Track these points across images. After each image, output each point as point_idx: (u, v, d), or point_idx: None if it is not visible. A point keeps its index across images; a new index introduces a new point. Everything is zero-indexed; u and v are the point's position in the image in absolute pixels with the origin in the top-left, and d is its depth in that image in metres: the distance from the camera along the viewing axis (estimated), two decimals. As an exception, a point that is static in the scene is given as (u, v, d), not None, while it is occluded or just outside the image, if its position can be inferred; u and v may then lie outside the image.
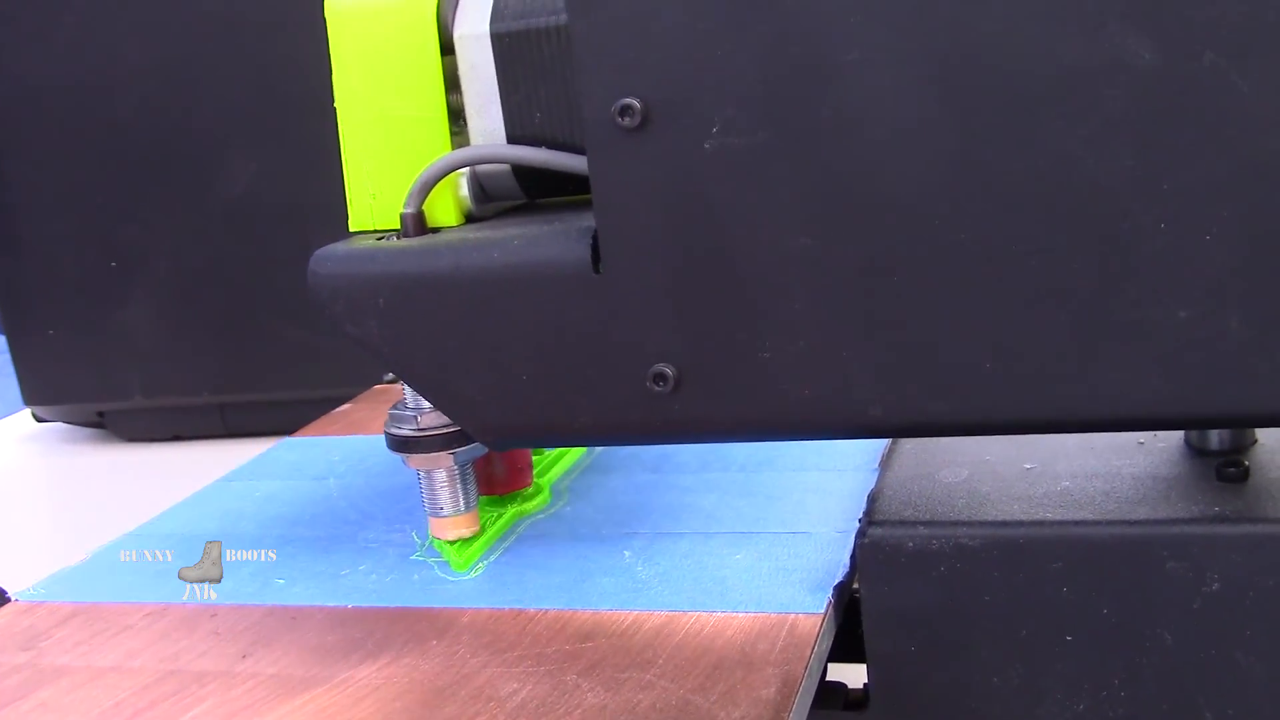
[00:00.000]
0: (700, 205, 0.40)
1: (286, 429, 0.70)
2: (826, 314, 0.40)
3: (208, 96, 0.89)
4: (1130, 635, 0.40)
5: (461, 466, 0.48)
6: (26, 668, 0.44)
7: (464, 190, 0.46)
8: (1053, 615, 0.41)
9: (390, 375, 0.73)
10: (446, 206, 0.46)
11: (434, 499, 0.48)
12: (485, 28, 0.44)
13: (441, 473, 0.48)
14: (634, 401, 0.42)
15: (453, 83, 0.45)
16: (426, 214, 0.45)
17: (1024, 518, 0.41)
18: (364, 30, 0.45)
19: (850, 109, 0.38)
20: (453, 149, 0.45)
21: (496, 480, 0.52)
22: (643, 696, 0.38)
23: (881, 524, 0.42)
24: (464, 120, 0.46)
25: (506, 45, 0.44)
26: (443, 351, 0.44)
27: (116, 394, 0.96)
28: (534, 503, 0.53)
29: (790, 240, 0.39)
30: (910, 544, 0.41)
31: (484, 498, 0.52)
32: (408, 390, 0.47)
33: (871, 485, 0.46)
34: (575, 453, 0.58)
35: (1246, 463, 0.42)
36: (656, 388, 0.42)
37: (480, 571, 0.48)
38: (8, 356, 0.97)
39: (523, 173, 0.46)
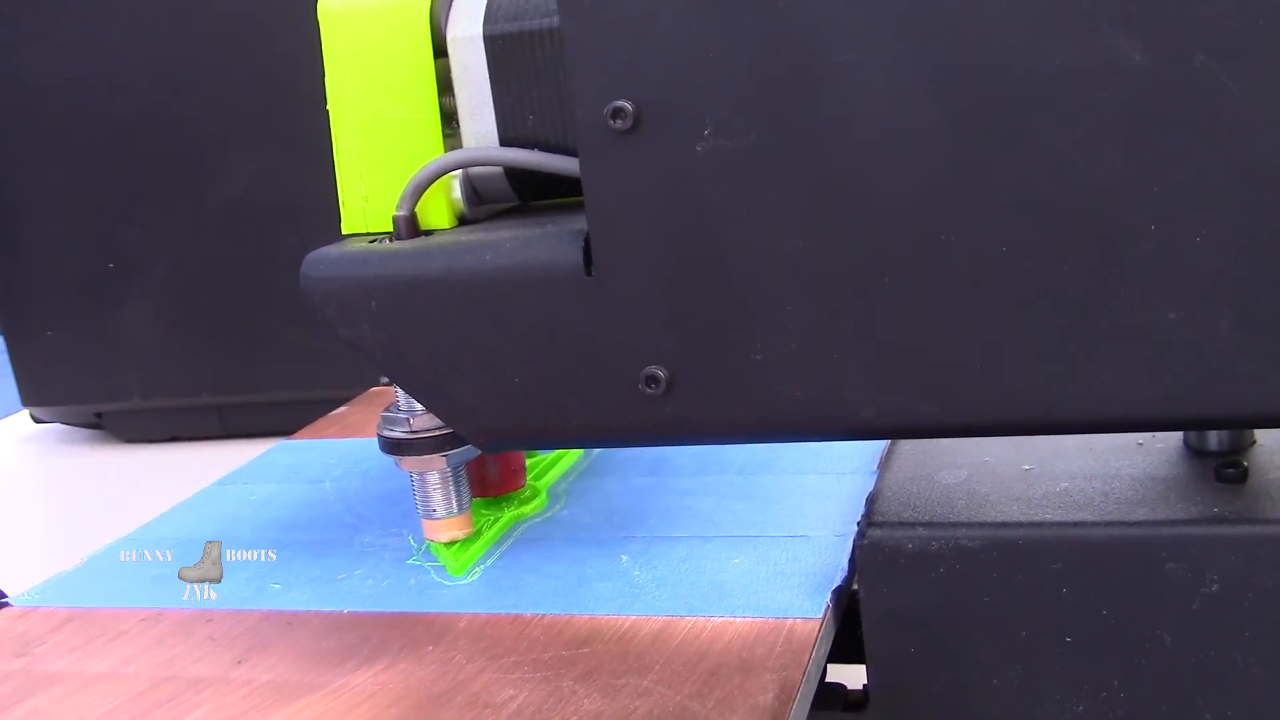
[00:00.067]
0: (692, 207, 0.40)
1: (284, 430, 0.70)
2: (818, 315, 0.39)
3: (207, 97, 0.89)
4: (1129, 636, 0.40)
5: (454, 469, 0.48)
6: (20, 674, 0.44)
7: (457, 193, 0.46)
8: (1052, 616, 0.40)
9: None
10: (439, 209, 0.45)
11: (427, 501, 0.48)
12: (478, 30, 0.44)
13: (434, 475, 0.48)
14: (626, 403, 0.42)
15: (445, 85, 0.45)
16: (419, 216, 0.45)
17: (1023, 519, 0.41)
18: (357, 32, 0.45)
19: (842, 111, 0.38)
20: (445, 151, 0.45)
21: (490, 482, 0.52)
22: (639, 703, 0.38)
23: (881, 525, 0.42)
24: (456, 122, 0.46)
25: (499, 47, 0.44)
26: (435, 354, 0.44)
27: (115, 395, 0.96)
28: (531, 506, 0.53)
29: (782, 242, 0.39)
30: (909, 545, 0.41)
31: (479, 500, 0.51)
32: (400, 392, 0.47)
33: (870, 489, 0.46)
34: (572, 455, 0.58)
35: (1245, 463, 0.42)
36: (649, 390, 0.41)
37: (476, 576, 0.48)
38: (5, 357, 0.97)
39: (515, 175, 0.46)
